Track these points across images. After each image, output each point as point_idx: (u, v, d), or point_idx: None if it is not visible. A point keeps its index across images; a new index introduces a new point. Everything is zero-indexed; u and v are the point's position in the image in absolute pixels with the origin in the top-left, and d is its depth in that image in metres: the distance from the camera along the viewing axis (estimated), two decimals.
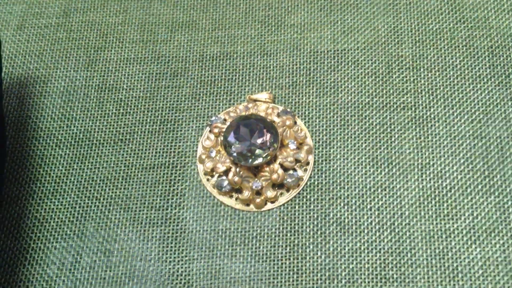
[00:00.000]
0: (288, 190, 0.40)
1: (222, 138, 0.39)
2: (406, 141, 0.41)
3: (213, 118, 0.41)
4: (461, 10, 0.45)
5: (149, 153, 0.42)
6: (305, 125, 0.42)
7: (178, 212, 0.40)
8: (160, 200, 0.40)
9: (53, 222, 0.40)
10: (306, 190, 0.40)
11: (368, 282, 0.37)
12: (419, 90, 0.42)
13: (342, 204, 0.39)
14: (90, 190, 0.40)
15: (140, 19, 0.47)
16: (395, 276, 0.37)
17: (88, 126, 0.43)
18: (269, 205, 0.39)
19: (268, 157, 0.38)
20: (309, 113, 0.42)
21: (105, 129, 0.42)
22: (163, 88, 0.44)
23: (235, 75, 0.44)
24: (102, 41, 0.46)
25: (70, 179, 0.41)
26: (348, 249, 0.38)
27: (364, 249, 0.38)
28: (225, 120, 0.41)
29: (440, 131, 0.41)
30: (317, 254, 0.38)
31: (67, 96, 0.44)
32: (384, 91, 0.43)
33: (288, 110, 0.41)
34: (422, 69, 0.43)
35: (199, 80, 0.44)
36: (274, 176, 0.39)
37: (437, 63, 0.43)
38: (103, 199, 0.40)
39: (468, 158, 0.40)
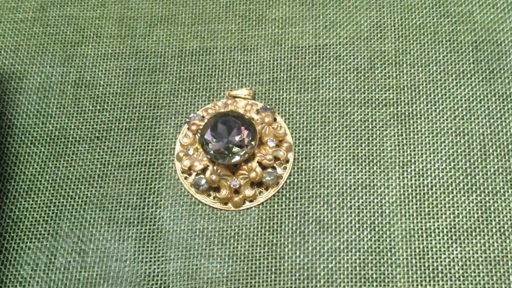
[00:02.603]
0: (267, 189, 0.39)
1: (199, 135, 0.38)
2: (388, 138, 0.40)
3: (191, 115, 0.40)
4: (445, 5, 0.44)
5: (126, 150, 0.41)
6: (285, 122, 0.41)
7: (155, 212, 0.39)
8: (137, 199, 0.39)
9: (27, 221, 0.39)
10: (286, 188, 0.39)
11: (348, 282, 0.36)
12: (402, 86, 0.42)
13: (321, 203, 0.38)
14: (65, 189, 0.40)
15: (118, 13, 0.46)
16: (374, 275, 0.36)
17: (64, 123, 0.42)
18: (247, 204, 0.39)
19: (246, 155, 0.37)
20: (289, 109, 0.41)
21: (81, 126, 0.42)
22: (141, 84, 0.43)
23: (215, 71, 0.43)
24: (79, 36, 0.45)
25: (45, 177, 0.40)
26: (328, 248, 0.37)
27: (343, 248, 0.37)
28: (203, 117, 0.40)
29: (422, 128, 0.40)
30: (295, 253, 0.37)
31: (42, 93, 0.43)
32: (366, 87, 0.42)
33: (268, 106, 0.40)
34: (405, 65, 0.42)
35: (177, 76, 0.43)
36: (253, 174, 0.38)
37: (420, 59, 0.42)
38: (78, 198, 0.39)
39: (450, 156, 0.39)
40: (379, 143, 0.40)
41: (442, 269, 0.36)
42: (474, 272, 0.36)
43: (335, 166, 0.39)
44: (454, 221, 0.37)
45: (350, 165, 0.39)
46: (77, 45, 0.44)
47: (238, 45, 0.44)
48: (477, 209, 0.38)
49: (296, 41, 0.44)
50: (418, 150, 0.39)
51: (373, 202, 0.38)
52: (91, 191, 0.39)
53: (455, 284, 0.36)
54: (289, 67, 0.43)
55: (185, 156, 0.39)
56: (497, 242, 0.37)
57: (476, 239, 0.37)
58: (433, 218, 0.37)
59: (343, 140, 0.40)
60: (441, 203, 0.38)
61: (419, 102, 0.41)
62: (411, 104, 0.41)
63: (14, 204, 0.39)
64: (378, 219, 0.38)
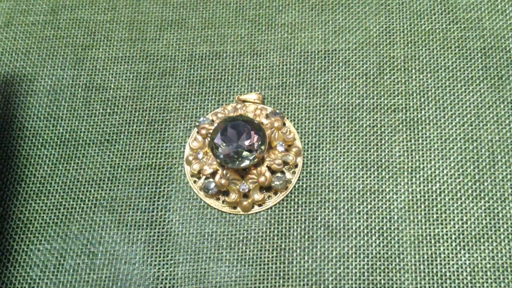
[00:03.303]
0: (276, 193, 0.39)
1: (209, 139, 0.39)
2: (396, 143, 0.40)
3: (201, 119, 0.40)
4: (454, 11, 0.44)
5: (135, 154, 0.41)
6: (294, 126, 0.41)
7: (164, 215, 0.39)
8: (146, 202, 0.39)
9: (37, 223, 0.39)
10: (294, 193, 0.39)
11: (356, 287, 0.36)
12: (410, 92, 0.42)
13: (330, 208, 0.39)
14: (75, 191, 0.40)
15: (128, 17, 0.46)
16: (382, 281, 0.36)
17: (74, 126, 0.42)
18: (256, 208, 0.39)
19: (255, 160, 0.38)
20: (298, 114, 0.42)
21: (91, 129, 0.42)
22: (151, 88, 0.43)
23: (224, 75, 0.43)
24: (90, 39, 0.45)
25: (55, 179, 0.40)
26: (336, 254, 0.37)
27: (352, 253, 0.37)
28: (213, 121, 0.40)
29: (430, 133, 0.40)
30: (304, 258, 0.37)
31: (53, 95, 0.43)
32: (375, 93, 0.42)
33: (277, 111, 0.40)
34: (413, 71, 0.42)
35: (187, 79, 0.43)
36: (262, 178, 0.38)
37: (429, 65, 0.43)
38: (88, 200, 0.40)
39: (459, 162, 0.39)
40: (388, 148, 0.40)
41: (450, 275, 0.36)
42: (482, 279, 0.36)
43: (343, 171, 0.40)
44: (463, 227, 0.37)
45: (358, 170, 0.40)
46: (88, 48, 0.45)
47: (247, 49, 0.44)
48: (485, 215, 0.38)
49: (305, 46, 0.44)
50: (426, 156, 0.40)
51: (382, 207, 0.38)
52: (101, 193, 0.40)
53: None
54: (298, 72, 0.43)
55: (195, 160, 0.39)
56: (505, 248, 0.37)
57: (484, 245, 0.37)
58: (442, 224, 0.38)
59: (351, 145, 0.40)
60: (449, 209, 0.38)
61: (428, 108, 0.41)
62: (419, 110, 0.41)
63: (24, 206, 0.40)
64: (386, 225, 0.38)
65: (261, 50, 0.44)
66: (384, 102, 0.42)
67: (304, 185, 0.39)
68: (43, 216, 0.39)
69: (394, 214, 0.38)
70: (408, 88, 0.42)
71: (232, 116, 0.39)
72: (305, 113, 0.42)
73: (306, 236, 0.38)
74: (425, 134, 0.40)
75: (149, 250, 0.38)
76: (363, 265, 0.37)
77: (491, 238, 0.37)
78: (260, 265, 0.37)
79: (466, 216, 0.38)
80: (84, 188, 0.40)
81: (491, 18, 0.44)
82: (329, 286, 0.36)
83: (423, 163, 0.39)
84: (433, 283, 0.36)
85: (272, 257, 0.38)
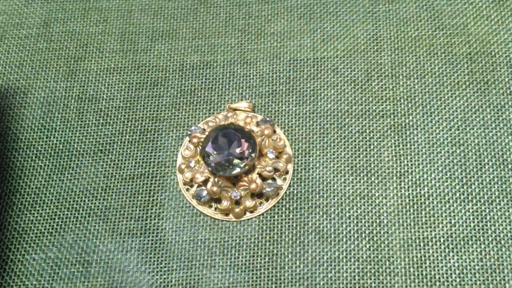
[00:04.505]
0: (267, 200, 0.40)
1: (200, 148, 0.39)
2: (385, 148, 0.41)
3: (193, 127, 0.41)
4: (440, 17, 0.45)
5: (128, 163, 0.42)
6: (284, 133, 0.42)
7: (158, 223, 0.40)
8: (140, 210, 0.40)
9: (32, 233, 0.40)
10: (285, 199, 0.40)
11: None
12: (398, 98, 0.42)
13: (321, 213, 0.39)
14: (70, 201, 0.40)
15: (120, 28, 0.47)
16: (373, 285, 0.37)
17: (68, 137, 0.42)
18: (248, 215, 0.39)
19: (246, 167, 0.38)
20: (288, 121, 0.42)
21: (84, 139, 0.42)
22: (143, 98, 0.44)
23: (215, 84, 0.44)
24: (82, 51, 0.46)
25: (50, 190, 0.41)
26: (327, 258, 0.38)
27: (342, 258, 0.38)
28: (204, 130, 0.41)
29: (418, 138, 0.41)
30: (295, 263, 0.38)
31: (47, 107, 0.44)
32: (363, 99, 0.43)
33: (268, 119, 0.41)
34: (401, 77, 0.43)
35: (179, 89, 0.44)
36: (253, 186, 0.39)
37: (416, 70, 0.43)
38: (82, 210, 0.40)
39: (447, 166, 0.40)
40: (377, 153, 0.41)
41: (439, 278, 0.37)
42: (471, 280, 0.37)
43: (333, 176, 0.40)
44: (451, 230, 0.38)
45: (348, 176, 0.40)
46: (80, 60, 0.45)
47: (237, 58, 0.45)
48: (473, 218, 0.38)
49: (294, 54, 0.45)
50: (415, 161, 0.40)
51: (371, 212, 0.39)
52: (95, 203, 0.40)
53: None
54: (288, 80, 0.44)
55: (187, 168, 0.40)
56: (493, 250, 0.37)
57: (472, 247, 0.37)
58: (430, 227, 0.38)
59: (341, 151, 0.41)
60: (438, 213, 0.39)
61: (416, 113, 0.42)
62: (407, 115, 0.42)
63: (19, 217, 0.40)
64: (376, 229, 0.38)
65: (251, 59, 0.45)
66: (372, 108, 0.42)
67: (295, 191, 0.40)
68: (38, 226, 0.40)
69: (383, 218, 0.39)
70: (396, 94, 0.43)
71: (223, 124, 0.40)
72: (295, 120, 0.42)
73: (298, 242, 0.38)
74: (413, 139, 0.41)
75: (143, 258, 0.39)
76: (354, 269, 0.37)
77: (479, 240, 0.38)
78: (253, 270, 0.38)
79: (455, 219, 0.38)
80: (78, 198, 0.40)
81: (476, 23, 0.45)
82: None
83: (411, 168, 0.40)
84: (423, 286, 0.37)
85: (264, 262, 0.38)
